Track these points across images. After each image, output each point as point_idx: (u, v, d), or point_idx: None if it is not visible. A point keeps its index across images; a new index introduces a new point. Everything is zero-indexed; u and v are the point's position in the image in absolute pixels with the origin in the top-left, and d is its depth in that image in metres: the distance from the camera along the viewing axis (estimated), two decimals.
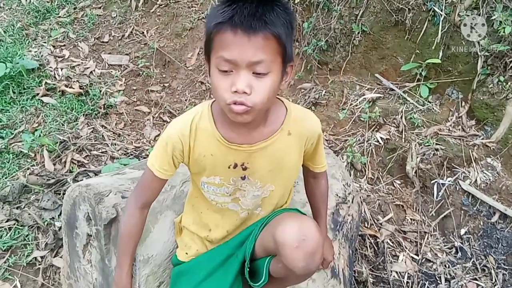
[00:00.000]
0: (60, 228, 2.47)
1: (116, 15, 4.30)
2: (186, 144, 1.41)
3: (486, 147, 2.85)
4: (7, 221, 2.52)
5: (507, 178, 2.74)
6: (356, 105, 3.29)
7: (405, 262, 2.57)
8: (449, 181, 2.79)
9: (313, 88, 3.56)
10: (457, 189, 2.77)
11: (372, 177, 2.97)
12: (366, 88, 3.38)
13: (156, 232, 1.74)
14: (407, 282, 2.49)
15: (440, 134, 2.94)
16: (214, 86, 1.25)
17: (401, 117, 3.08)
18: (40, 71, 3.62)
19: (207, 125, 1.40)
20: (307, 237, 1.32)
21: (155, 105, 3.63)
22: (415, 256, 2.61)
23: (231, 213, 1.59)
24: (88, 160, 2.97)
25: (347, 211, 2.15)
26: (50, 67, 3.70)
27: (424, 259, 2.60)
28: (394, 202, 2.84)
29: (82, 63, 3.86)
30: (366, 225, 2.69)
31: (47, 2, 4.48)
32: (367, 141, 3.06)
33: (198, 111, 1.43)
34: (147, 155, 3.02)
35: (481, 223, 2.68)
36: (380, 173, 2.99)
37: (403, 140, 2.99)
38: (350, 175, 2.93)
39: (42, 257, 2.41)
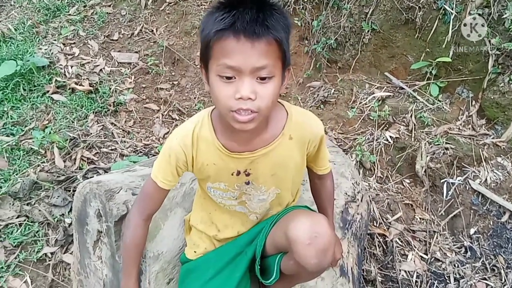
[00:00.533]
0: (70, 224, 2.49)
1: (126, 13, 4.32)
2: (189, 154, 1.42)
3: (496, 147, 2.83)
4: (17, 217, 2.54)
5: None
6: (366, 104, 3.28)
7: (414, 261, 2.56)
8: (458, 181, 2.77)
9: (322, 86, 3.55)
10: (467, 188, 2.75)
11: (381, 176, 2.96)
12: (376, 86, 3.37)
13: (166, 229, 1.74)
14: (416, 282, 2.48)
15: (450, 133, 2.93)
16: (215, 94, 1.22)
17: (411, 116, 3.07)
18: (50, 69, 3.65)
19: (208, 135, 1.40)
20: (319, 234, 1.32)
21: (164, 103, 3.64)
22: (424, 256, 2.60)
23: (240, 214, 1.60)
24: (97, 158, 2.99)
25: (356, 210, 2.14)
26: (60, 64, 3.72)
27: (433, 259, 2.59)
28: (403, 201, 2.83)
29: (92, 61, 3.88)
30: (375, 224, 2.68)
31: (57, 0, 4.51)
32: (376, 140, 3.05)
33: (198, 120, 1.43)
34: (157, 153, 3.04)
35: (491, 223, 2.67)
36: (389, 172, 2.98)
37: (412, 139, 2.98)
38: (359, 174, 2.93)
39: (52, 253, 2.43)
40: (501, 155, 2.80)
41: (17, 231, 2.48)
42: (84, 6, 4.46)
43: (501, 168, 2.77)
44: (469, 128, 2.95)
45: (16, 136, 3.03)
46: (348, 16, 3.39)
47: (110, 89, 3.59)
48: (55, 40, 4.04)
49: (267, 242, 1.55)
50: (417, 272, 2.51)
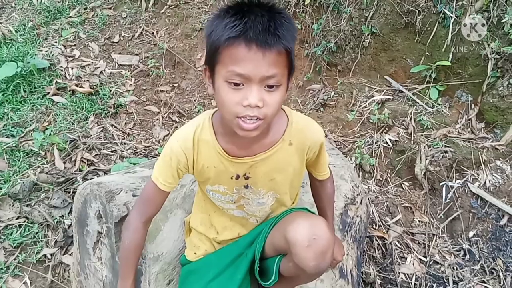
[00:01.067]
0: (69, 226, 2.49)
1: (126, 16, 4.33)
2: (190, 157, 1.42)
3: (496, 150, 2.84)
4: (17, 219, 2.54)
5: None
6: (365, 107, 3.29)
7: (413, 264, 2.57)
8: (458, 184, 2.78)
9: (322, 89, 3.56)
10: (466, 191, 2.76)
11: (381, 179, 2.97)
12: (375, 89, 3.37)
13: (166, 231, 1.75)
14: (415, 284, 2.48)
15: (449, 137, 2.93)
16: (221, 100, 1.22)
17: (410, 119, 3.08)
18: (50, 71, 3.65)
19: (208, 138, 1.41)
20: (318, 236, 1.32)
21: (165, 105, 3.65)
22: (423, 258, 2.60)
23: (239, 217, 1.61)
24: (97, 159, 2.99)
25: (355, 212, 2.15)
26: (61, 66, 3.73)
27: (432, 261, 2.60)
28: (403, 204, 2.84)
29: (92, 63, 3.89)
30: (374, 226, 2.69)
31: (58, 2, 4.52)
32: (375, 143, 3.06)
33: (199, 123, 1.43)
34: (157, 155, 3.04)
35: (490, 226, 2.67)
36: (389, 175, 2.99)
37: (412, 142, 2.98)
38: (359, 177, 2.93)
39: (51, 255, 2.43)
40: (500, 159, 2.81)
41: (16, 232, 2.48)
42: (85, 8, 4.47)
43: (500, 171, 2.77)
44: (468, 132, 2.96)
45: (16, 137, 3.03)
46: (348, 19, 3.41)
47: (110, 91, 3.60)
48: (55, 42, 4.04)
49: (266, 244, 1.55)
50: (416, 275, 2.51)
